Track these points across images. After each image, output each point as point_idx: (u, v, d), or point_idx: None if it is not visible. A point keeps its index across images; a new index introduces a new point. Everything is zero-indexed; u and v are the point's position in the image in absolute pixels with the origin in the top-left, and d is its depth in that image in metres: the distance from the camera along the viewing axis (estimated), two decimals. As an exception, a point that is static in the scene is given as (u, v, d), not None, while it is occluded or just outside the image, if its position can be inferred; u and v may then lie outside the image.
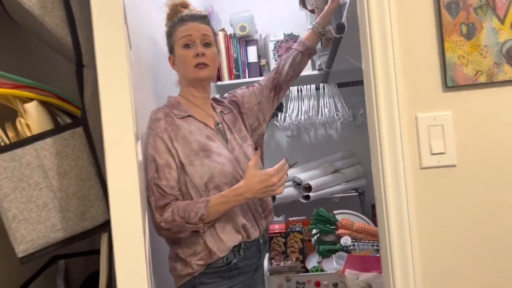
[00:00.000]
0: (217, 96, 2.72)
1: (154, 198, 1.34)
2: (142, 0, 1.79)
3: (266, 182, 1.35)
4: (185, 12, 1.62)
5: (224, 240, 1.41)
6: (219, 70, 2.77)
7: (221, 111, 1.67)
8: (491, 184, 1.11)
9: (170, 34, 1.59)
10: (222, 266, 1.41)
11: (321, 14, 1.82)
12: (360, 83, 2.63)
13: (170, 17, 1.65)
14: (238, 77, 2.79)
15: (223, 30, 2.82)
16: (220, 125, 1.61)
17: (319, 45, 2.53)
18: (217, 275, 1.40)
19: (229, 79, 2.79)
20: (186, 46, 1.52)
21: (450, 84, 1.15)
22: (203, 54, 1.50)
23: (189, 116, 1.51)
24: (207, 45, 1.55)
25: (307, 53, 1.86)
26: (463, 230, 1.11)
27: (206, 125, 1.54)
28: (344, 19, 1.70)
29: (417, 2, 1.13)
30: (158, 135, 1.41)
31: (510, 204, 1.10)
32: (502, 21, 1.15)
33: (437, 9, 1.15)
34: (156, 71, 1.90)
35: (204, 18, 1.62)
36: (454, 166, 1.11)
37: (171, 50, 1.59)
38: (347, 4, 1.55)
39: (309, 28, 1.90)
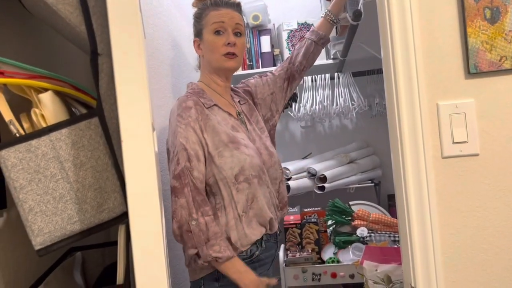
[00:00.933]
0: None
1: (190, 189, 1.29)
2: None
3: None
4: None
5: (248, 235, 1.40)
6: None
7: (239, 101, 1.64)
8: (513, 171, 1.10)
9: (199, 17, 1.52)
10: (245, 258, 1.40)
11: (334, 1, 1.78)
12: (375, 72, 2.62)
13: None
14: (251, 67, 2.78)
15: (237, 20, 2.81)
16: (241, 115, 1.58)
17: (334, 33, 2.52)
18: None
19: (242, 69, 2.77)
20: (217, 32, 1.47)
21: (473, 70, 1.13)
22: (234, 43, 1.46)
23: (214, 105, 1.46)
24: (238, 34, 1.51)
25: (321, 42, 1.83)
26: (485, 221, 1.10)
27: (230, 115, 1.51)
28: (360, 6, 1.68)
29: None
30: (189, 125, 1.35)
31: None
32: (528, 4, 1.12)
33: (459, -6, 1.13)
34: (172, 61, 1.88)
35: (238, 6, 1.57)
36: (477, 155, 1.10)
37: (198, 33, 1.53)
38: (364, -9, 1.54)
39: (322, 16, 1.86)
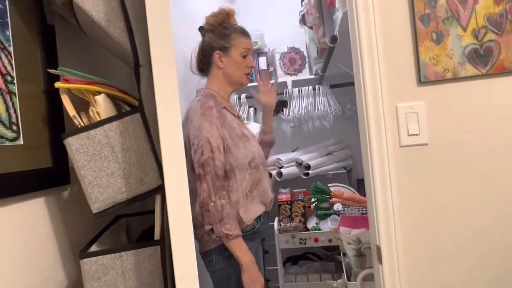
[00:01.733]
0: (235, 98, 2.74)
1: (211, 176, 1.26)
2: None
3: (255, 284, 1.30)
4: (236, 22, 1.55)
5: (252, 211, 1.39)
6: (237, 74, 2.78)
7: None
8: (456, 159, 1.10)
9: (228, 36, 1.46)
10: (249, 230, 1.39)
11: (263, 121, 1.82)
12: (347, 84, 2.63)
13: (220, 18, 1.50)
14: (251, 81, 2.77)
15: (240, 44, 2.82)
16: (240, 118, 1.57)
17: (315, 54, 2.53)
18: (245, 238, 1.34)
19: (245, 83, 2.79)
20: (244, 56, 1.46)
21: (423, 80, 1.14)
22: (252, 66, 1.52)
23: (224, 107, 1.43)
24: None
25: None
26: (433, 195, 1.11)
27: (235, 116, 1.48)
28: (336, 32, 1.69)
29: (397, 15, 1.12)
30: (213, 122, 1.31)
31: (470, 174, 1.09)
32: (464, 29, 1.13)
33: (412, 21, 1.14)
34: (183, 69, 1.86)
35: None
36: (426, 144, 1.11)
37: (224, 49, 1.45)
38: (339, 20, 1.54)
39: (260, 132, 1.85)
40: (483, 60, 1.13)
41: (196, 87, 1.83)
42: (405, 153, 1.12)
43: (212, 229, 1.26)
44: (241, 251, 1.28)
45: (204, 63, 1.53)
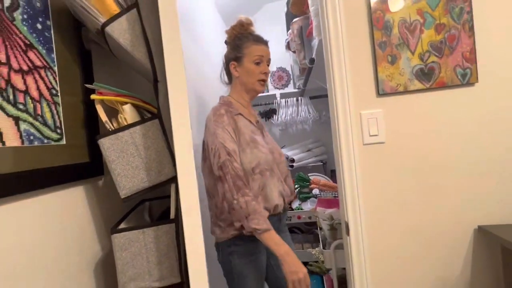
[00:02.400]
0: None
1: (231, 176, 1.06)
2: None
3: (297, 274, 1.02)
4: (252, 31, 1.30)
5: None
6: (237, 89, 2.75)
7: (258, 114, 1.42)
8: (405, 154, 1.10)
9: (240, 46, 1.25)
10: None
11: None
12: (323, 96, 2.63)
13: (236, 30, 1.29)
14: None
15: (239, 65, 2.79)
16: (259, 123, 1.33)
17: (298, 72, 2.52)
18: (246, 240, 1.13)
19: (243, 95, 2.77)
20: (257, 63, 1.22)
21: (381, 92, 1.13)
22: (267, 73, 1.27)
23: (239, 114, 1.22)
24: (268, 65, 1.29)
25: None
26: (388, 183, 1.11)
27: (251, 122, 1.25)
28: (314, 55, 1.68)
29: (360, 42, 1.12)
30: (225, 128, 1.12)
31: (416, 167, 1.09)
32: (413, 53, 1.13)
33: (372, 47, 1.14)
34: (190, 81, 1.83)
35: (267, 44, 1.34)
36: (383, 143, 1.11)
37: (237, 59, 1.24)
38: (316, 46, 1.53)
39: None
40: (427, 77, 1.12)
41: (210, 96, 1.83)
42: (367, 149, 1.11)
43: (242, 226, 1.07)
44: (275, 244, 1.03)
45: (226, 74, 1.35)
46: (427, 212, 1.10)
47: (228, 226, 1.13)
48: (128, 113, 0.90)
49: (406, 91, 1.12)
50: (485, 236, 1.09)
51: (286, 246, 1.04)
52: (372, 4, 1.13)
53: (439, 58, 1.11)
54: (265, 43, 1.28)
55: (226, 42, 1.32)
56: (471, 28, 1.09)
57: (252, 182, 1.14)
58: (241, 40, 1.26)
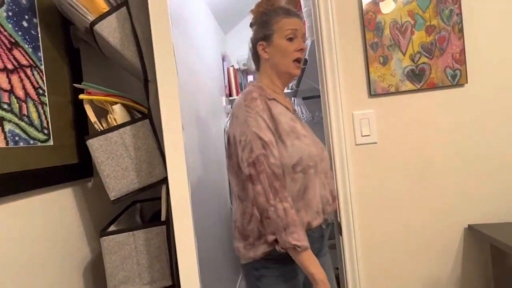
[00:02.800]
0: (229, 107, 2.70)
1: (267, 176, 0.83)
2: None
3: None
4: (281, 5, 1.06)
5: None
6: (230, 88, 2.73)
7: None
8: (396, 153, 1.11)
9: (268, 22, 1.01)
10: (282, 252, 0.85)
11: None
12: (316, 96, 2.63)
13: (263, 6, 1.07)
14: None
15: (232, 66, 2.78)
16: (296, 112, 1.11)
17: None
18: (280, 261, 0.88)
19: (237, 95, 2.75)
20: (290, 39, 0.98)
21: (373, 93, 1.13)
22: (303, 49, 1.01)
23: (273, 99, 0.97)
24: (303, 41, 1.04)
25: None
26: (380, 183, 1.11)
27: (288, 109, 1.01)
28: (307, 56, 1.68)
29: (352, 44, 1.12)
30: (258, 114, 0.89)
31: (408, 167, 1.10)
32: (404, 54, 1.13)
33: (364, 48, 1.14)
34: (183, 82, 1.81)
35: (301, 17, 1.13)
36: (375, 143, 1.11)
37: (266, 37, 1.00)
38: (309, 46, 1.53)
39: None
40: (418, 78, 1.13)
41: (203, 95, 1.81)
42: (359, 150, 1.11)
43: (276, 240, 0.83)
44: (315, 266, 0.82)
45: (255, 60, 1.09)
46: (419, 211, 1.10)
47: (257, 239, 0.88)
48: (118, 113, 0.88)
49: (397, 92, 1.12)
50: (475, 234, 1.09)
51: (323, 273, 0.83)
52: (364, 6, 1.13)
53: (430, 59, 1.12)
54: (297, 15, 1.04)
55: (251, 24, 1.10)
56: (461, 30, 1.10)
57: (291, 182, 0.89)
58: (269, 15, 1.02)
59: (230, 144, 0.94)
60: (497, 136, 1.09)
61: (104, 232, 0.87)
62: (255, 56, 1.07)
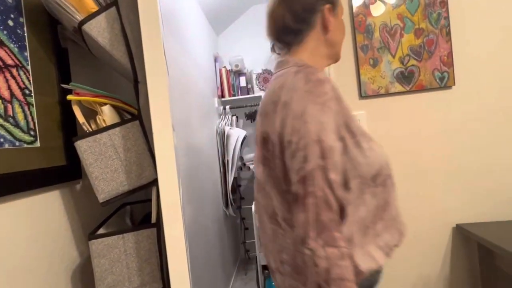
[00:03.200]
0: (221, 108, 2.69)
1: (316, 201, 0.55)
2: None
3: None
4: None
5: (376, 254, 0.64)
6: (222, 89, 2.73)
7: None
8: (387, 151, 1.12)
9: None
10: (366, 285, 0.64)
11: None
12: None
13: None
14: (234, 95, 2.76)
15: (224, 67, 2.77)
16: None
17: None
18: None
19: (229, 96, 2.74)
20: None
21: (363, 94, 1.14)
22: None
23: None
24: None
25: None
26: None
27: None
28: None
29: (343, 46, 1.13)
30: (326, 105, 0.59)
31: (399, 168, 1.11)
32: (393, 56, 1.14)
33: (355, 50, 1.15)
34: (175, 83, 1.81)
35: None
36: (365, 144, 1.12)
37: (333, 3, 0.71)
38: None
39: None
40: (407, 80, 1.14)
41: (195, 96, 1.79)
42: (350, 151, 1.12)
43: None
44: None
45: (295, 28, 0.72)
46: (409, 211, 1.11)
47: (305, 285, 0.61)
48: (107, 115, 0.86)
49: (387, 94, 1.14)
50: (462, 234, 1.11)
51: None
52: (354, 8, 1.14)
53: (419, 61, 1.14)
54: None
55: None
56: (448, 33, 1.12)
57: (372, 199, 0.63)
58: None
59: (269, 145, 0.66)
60: (484, 137, 1.11)
61: (92, 235, 0.85)
62: (302, 18, 0.71)
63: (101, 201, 0.84)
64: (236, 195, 2.72)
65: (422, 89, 1.15)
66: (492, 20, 1.11)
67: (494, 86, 1.12)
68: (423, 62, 1.15)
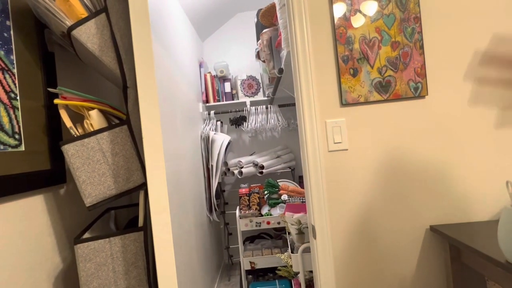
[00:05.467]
0: (206, 113, 2.70)
1: None
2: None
3: None
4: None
5: None
6: (207, 95, 2.75)
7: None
8: (365, 159, 1.17)
9: None
10: None
11: None
12: (291, 104, 2.70)
13: None
14: (218, 100, 2.79)
15: (209, 73, 2.80)
16: None
17: (267, 81, 2.58)
18: None
19: (213, 102, 2.77)
20: None
21: (344, 102, 1.20)
22: None
23: None
24: None
25: None
26: (351, 187, 1.16)
27: None
28: (282, 65, 1.74)
29: (325, 56, 1.18)
30: None
31: (375, 171, 1.17)
32: (372, 67, 1.22)
33: (336, 60, 1.20)
34: (165, 91, 1.81)
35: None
36: (346, 150, 1.17)
37: None
38: (284, 57, 1.59)
39: None
40: (385, 89, 1.22)
41: (181, 103, 1.80)
42: (332, 156, 1.17)
43: None
44: None
45: None
46: (386, 213, 1.18)
47: None
48: (94, 119, 0.87)
49: (366, 102, 1.20)
50: (436, 234, 1.19)
51: None
52: (335, 21, 1.21)
53: (395, 72, 1.22)
54: None
55: None
56: (422, 47, 1.21)
57: None
58: None
59: None
60: (454, 142, 1.20)
61: (78, 239, 0.85)
62: None
63: (87, 205, 0.84)
64: (220, 200, 2.73)
65: (398, 98, 1.22)
66: (462, 34, 1.21)
67: (463, 95, 1.21)
68: (399, 73, 1.23)
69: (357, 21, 1.21)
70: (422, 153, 1.19)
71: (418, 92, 1.21)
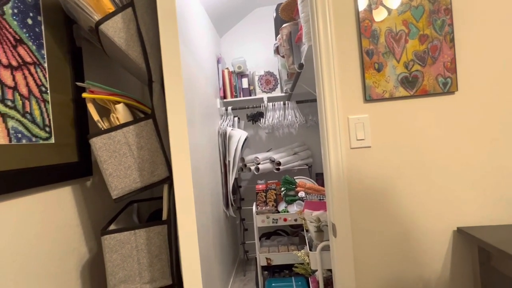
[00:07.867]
0: (223, 109, 2.71)
1: None
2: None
3: None
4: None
5: None
6: (224, 90, 2.76)
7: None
8: (389, 156, 1.14)
9: None
10: None
11: None
12: (310, 101, 2.67)
13: None
14: (236, 96, 2.79)
15: (227, 68, 2.80)
16: None
17: (285, 77, 2.56)
18: None
19: (231, 98, 2.78)
20: None
21: (368, 98, 1.17)
22: None
23: None
24: None
25: None
26: (373, 186, 1.14)
27: None
28: (303, 60, 1.71)
29: (349, 49, 1.15)
30: None
31: (402, 171, 1.14)
32: (398, 61, 1.18)
33: (360, 54, 1.17)
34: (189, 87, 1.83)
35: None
36: (369, 147, 1.14)
37: None
38: (305, 51, 1.56)
39: None
40: (411, 85, 1.17)
41: (200, 100, 1.82)
42: (354, 153, 1.14)
43: None
44: None
45: None
46: (411, 214, 1.14)
47: None
48: (120, 113, 0.88)
49: (391, 98, 1.16)
50: (463, 237, 1.14)
51: None
52: (360, 14, 1.17)
53: (423, 67, 1.17)
54: None
55: None
56: (452, 40, 1.16)
57: None
58: None
59: None
60: (485, 141, 1.14)
61: (105, 231, 0.87)
62: None
63: (114, 197, 0.86)
64: (236, 196, 2.75)
65: (425, 94, 1.18)
66: (496, 26, 1.15)
67: (496, 91, 1.16)
68: (427, 68, 1.18)
69: (383, 14, 1.18)
70: (450, 152, 1.14)
71: (447, 87, 1.16)
